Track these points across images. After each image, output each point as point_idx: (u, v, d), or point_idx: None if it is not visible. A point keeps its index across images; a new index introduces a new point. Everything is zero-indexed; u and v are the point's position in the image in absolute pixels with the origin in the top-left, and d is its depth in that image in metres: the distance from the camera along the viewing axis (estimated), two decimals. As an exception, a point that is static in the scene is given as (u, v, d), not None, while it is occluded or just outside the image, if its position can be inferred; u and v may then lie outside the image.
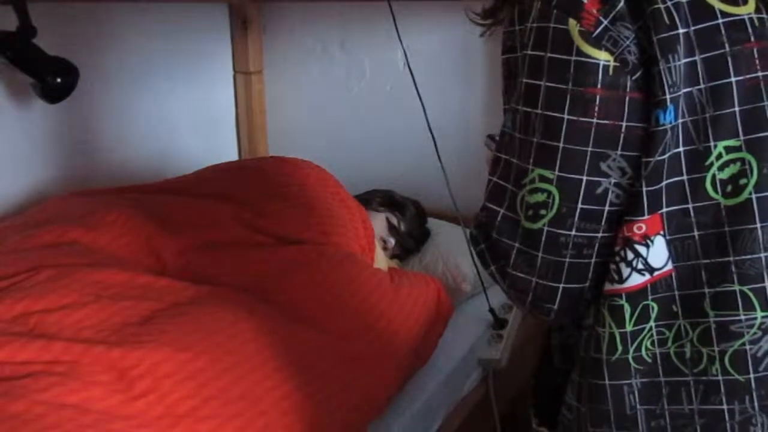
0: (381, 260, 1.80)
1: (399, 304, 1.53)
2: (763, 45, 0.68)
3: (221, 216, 1.67)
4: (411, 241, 1.98)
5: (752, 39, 0.68)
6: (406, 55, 1.98)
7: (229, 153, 2.43)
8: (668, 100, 0.66)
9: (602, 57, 0.66)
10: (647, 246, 0.69)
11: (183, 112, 2.24)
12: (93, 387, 1.13)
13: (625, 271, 0.70)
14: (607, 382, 0.72)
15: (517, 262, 0.74)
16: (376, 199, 1.99)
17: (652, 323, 0.71)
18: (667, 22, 0.66)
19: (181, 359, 1.21)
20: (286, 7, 2.34)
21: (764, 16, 0.69)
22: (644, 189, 0.68)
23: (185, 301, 1.36)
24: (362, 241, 1.74)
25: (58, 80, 1.65)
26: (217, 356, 1.24)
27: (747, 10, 0.69)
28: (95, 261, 1.40)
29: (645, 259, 0.70)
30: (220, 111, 2.39)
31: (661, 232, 0.69)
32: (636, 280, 0.70)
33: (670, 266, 0.70)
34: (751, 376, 0.68)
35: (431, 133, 1.55)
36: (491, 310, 1.69)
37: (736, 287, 0.68)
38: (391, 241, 1.94)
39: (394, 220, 1.95)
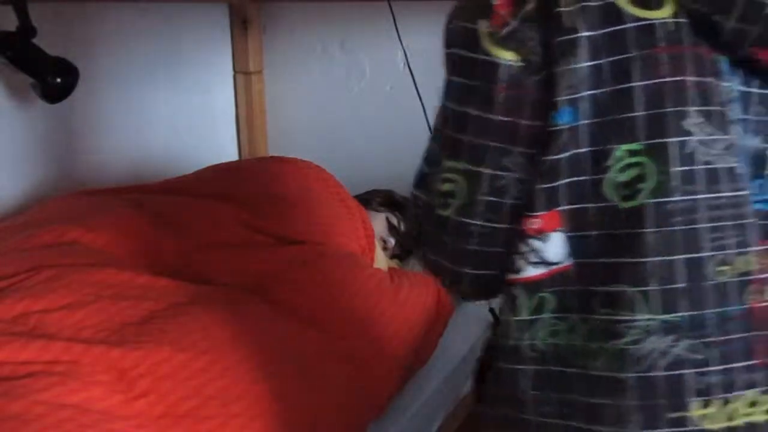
0: (381, 260, 1.80)
1: (399, 304, 1.53)
2: (673, 50, 0.68)
3: (221, 216, 1.67)
4: (411, 241, 1.98)
5: (661, 44, 0.67)
6: (406, 55, 1.98)
7: (229, 153, 2.43)
8: (564, 102, 0.68)
9: (507, 57, 0.69)
10: (542, 241, 0.71)
11: (183, 112, 2.24)
12: (93, 387, 1.13)
13: (520, 262, 0.72)
14: (503, 365, 0.76)
15: (433, 246, 0.80)
16: (376, 199, 1.99)
17: (547, 315, 0.72)
18: (568, 25, 0.67)
19: (181, 359, 1.21)
20: (286, 7, 2.34)
21: (681, 20, 0.68)
22: (541, 186, 0.70)
23: (185, 301, 1.36)
24: (362, 241, 1.74)
25: (58, 80, 1.65)
26: (218, 356, 1.24)
27: (660, 15, 0.68)
28: (95, 261, 1.40)
29: (540, 253, 0.72)
30: (220, 111, 2.39)
31: (560, 229, 0.71)
32: (531, 272, 0.72)
33: (568, 262, 0.71)
34: (630, 375, 0.68)
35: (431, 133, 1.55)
36: (491, 310, 1.69)
37: (625, 288, 0.68)
38: (391, 241, 1.94)
39: (394, 220, 1.96)
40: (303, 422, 1.23)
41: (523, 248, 0.72)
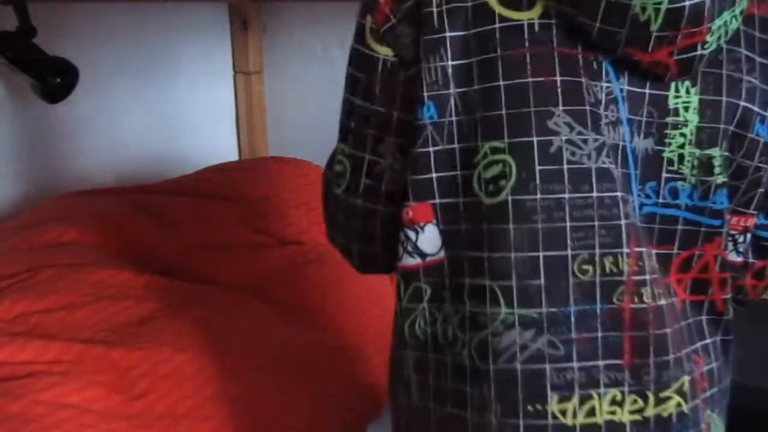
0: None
1: (399, 304, 1.53)
2: (539, 50, 0.69)
3: (221, 216, 1.67)
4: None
5: (526, 44, 0.69)
6: (406, 55, 1.98)
7: (229, 153, 2.43)
8: (426, 98, 0.71)
9: (383, 52, 0.74)
10: (416, 231, 0.74)
11: (183, 112, 2.24)
12: (93, 387, 1.13)
13: (400, 250, 0.75)
14: (395, 351, 0.79)
15: (331, 222, 0.87)
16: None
17: (424, 304, 0.75)
18: (435, 25, 0.70)
19: (180, 359, 1.21)
20: (286, 7, 2.34)
21: (551, 21, 0.69)
22: (412, 177, 0.73)
23: (185, 301, 1.36)
24: (362, 241, 1.74)
25: (58, 80, 1.65)
26: (217, 356, 1.24)
27: (529, 16, 0.69)
28: (95, 261, 1.40)
29: (414, 243, 0.74)
30: (220, 111, 2.39)
31: (433, 221, 0.73)
32: (409, 261, 0.75)
33: (442, 254, 0.74)
34: (491, 366, 0.70)
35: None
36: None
37: (487, 282, 0.70)
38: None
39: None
40: (302, 421, 1.23)
41: (402, 237, 0.75)
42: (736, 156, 0.74)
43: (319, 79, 2.35)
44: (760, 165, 0.75)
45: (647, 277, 0.70)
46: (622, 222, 0.69)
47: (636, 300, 0.69)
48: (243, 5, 2.29)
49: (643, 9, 0.65)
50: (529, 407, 0.69)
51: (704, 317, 0.77)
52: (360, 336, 1.43)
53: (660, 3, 0.64)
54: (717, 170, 0.73)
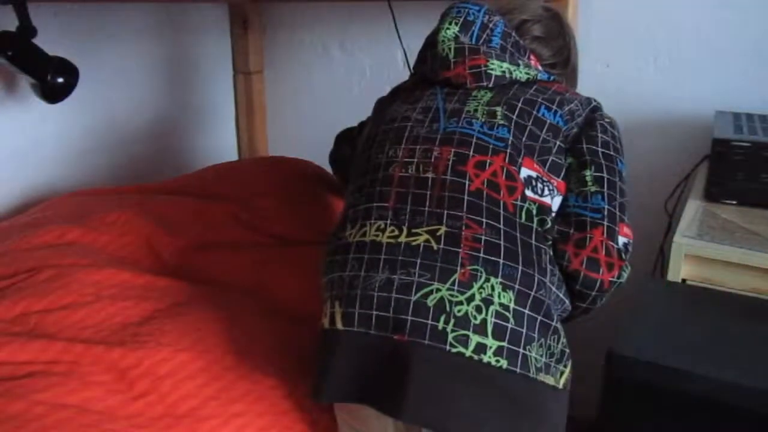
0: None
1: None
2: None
3: (221, 216, 1.67)
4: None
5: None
6: (406, 55, 1.99)
7: (229, 153, 2.43)
8: None
9: None
10: None
11: (183, 112, 2.24)
12: (93, 387, 1.13)
13: None
14: None
15: None
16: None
17: None
18: None
19: (181, 359, 1.21)
20: (287, 7, 2.35)
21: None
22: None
23: (185, 301, 1.36)
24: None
25: (58, 80, 1.66)
26: (217, 356, 1.24)
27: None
28: (95, 261, 1.40)
29: None
30: (220, 111, 2.39)
31: None
32: None
33: None
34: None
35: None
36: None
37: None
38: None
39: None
40: (303, 421, 1.23)
41: None
42: (512, 115, 1.15)
43: (319, 79, 2.36)
44: (534, 130, 1.15)
45: (415, 160, 1.12)
46: (420, 134, 1.16)
47: (402, 171, 1.12)
48: (243, 5, 2.30)
49: (444, 50, 1.23)
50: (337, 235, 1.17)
51: (500, 212, 1.08)
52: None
53: (450, 45, 1.23)
54: (499, 116, 1.15)
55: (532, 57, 1.27)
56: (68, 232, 1.48)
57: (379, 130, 1.23)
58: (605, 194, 1.14)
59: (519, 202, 1.09)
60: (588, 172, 1.15)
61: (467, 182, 1.08)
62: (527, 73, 1.22)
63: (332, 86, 2.33)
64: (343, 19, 2.26)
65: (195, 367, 1.21)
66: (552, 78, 1.26)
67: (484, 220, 1.06)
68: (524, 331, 1.02)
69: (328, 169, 1.90)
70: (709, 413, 1.04)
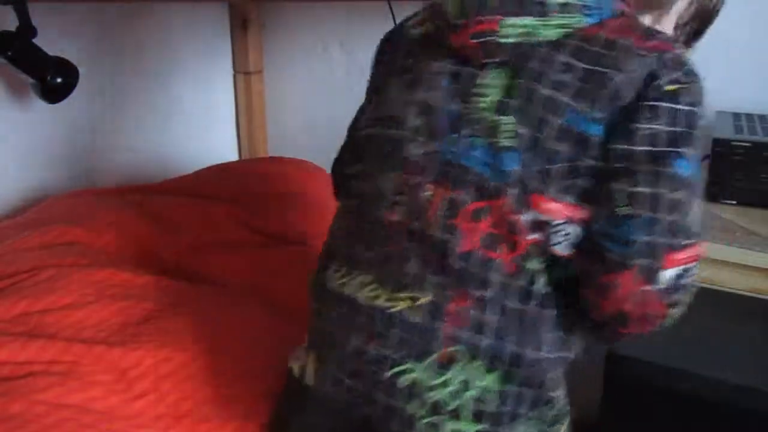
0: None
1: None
2: None
3: (221, 216, 1.67)
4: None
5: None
6: (406, 55, 1.98)
7: (229, 153, 2.43)
8: None
9: None
10: None
11: (183, 112, 2.24)
12: (93, 387, 1.13)
13: None
14: None
15: None
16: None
17: None
18: None
19: (181, 359, 1.21)
20: (286, 7, 2.34)
21: None
22: None
23: (185, 301, 1.36)
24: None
25: (58, 80, 1.66)
26: (217, 356, 1.24)
27: None
28: (95, 261, 1.40)
29: None
30: (220, 111, 2.39)
31: None
32: None
33: None
34: None
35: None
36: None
37: None
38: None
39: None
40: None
41: None
42: (525, 128, 0.83)
43: (319, 79, 2.36)
44: (553, 148, 0.82)
45: (405, 199, 0.93)
46: (413, 156, 0.94)
47: (391, 214, 0.94)
48: (243, 5, 2.29)
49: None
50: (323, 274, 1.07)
51: (495, 278, 0.86)
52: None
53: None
54: (507, 131, 0.84)
55: None
56: (68, 232, 1.48)
57: (374, 128, 1.07)
58: (642, 219, 0.79)
59: (520, 261, 0.85)
60: (617, 186, 0.80)
61: (458, 241, 0.86)
62: (562, 26, 0.84)
63: (332, 86, 2.33)
64: (342, 19, 2.26)
65: (195, 367, 1.21)
66: (609, 14, 0.85)
67: (472, 292, 0.86)
68: (509, 409, 0.88)
69: (328, 169, 1.90)
70: (710, 413, 1.05)
